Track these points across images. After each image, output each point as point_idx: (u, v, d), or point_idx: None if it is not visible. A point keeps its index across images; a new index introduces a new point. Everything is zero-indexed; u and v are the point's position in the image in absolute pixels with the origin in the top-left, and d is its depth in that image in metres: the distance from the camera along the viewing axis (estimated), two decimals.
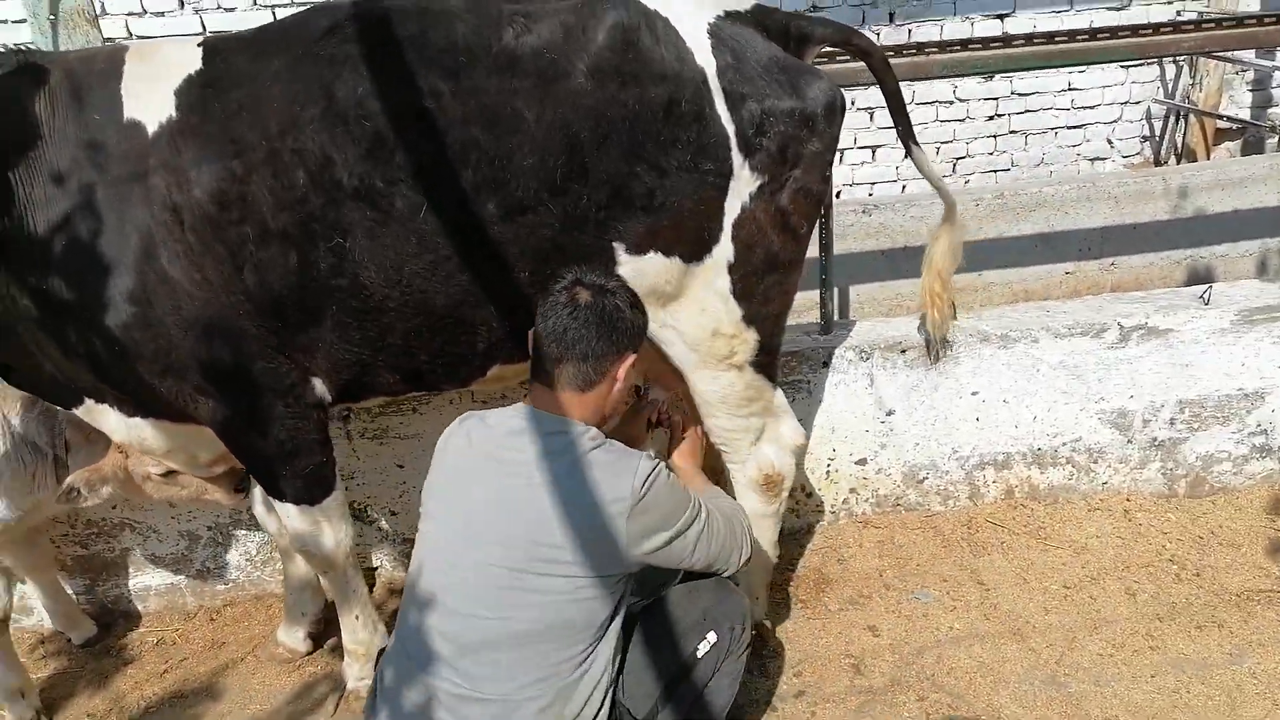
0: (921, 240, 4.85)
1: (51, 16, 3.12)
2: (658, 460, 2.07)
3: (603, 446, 2.02)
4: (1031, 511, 3.61)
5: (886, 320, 3.60)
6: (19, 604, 3.28)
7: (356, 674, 2.80)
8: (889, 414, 3.45)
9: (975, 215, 4.91)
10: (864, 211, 4.85)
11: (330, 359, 2.36)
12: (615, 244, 2.33)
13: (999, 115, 7.35)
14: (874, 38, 6.26)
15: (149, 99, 2.24)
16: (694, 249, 2.36)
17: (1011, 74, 6.96)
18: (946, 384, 3.44)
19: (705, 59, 2.27)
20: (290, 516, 2.58)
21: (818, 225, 3.33)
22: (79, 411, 2.52)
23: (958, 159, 7.37)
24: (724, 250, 2.38)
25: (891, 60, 3.30)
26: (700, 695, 2.22)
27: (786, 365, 3.34)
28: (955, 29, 6.91)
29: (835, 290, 3.48)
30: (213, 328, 2.26)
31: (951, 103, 7.21)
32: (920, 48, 3.35)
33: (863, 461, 3.51)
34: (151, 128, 2.22)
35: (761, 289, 2.46)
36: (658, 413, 2.62)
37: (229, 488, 2.88)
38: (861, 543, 3.49)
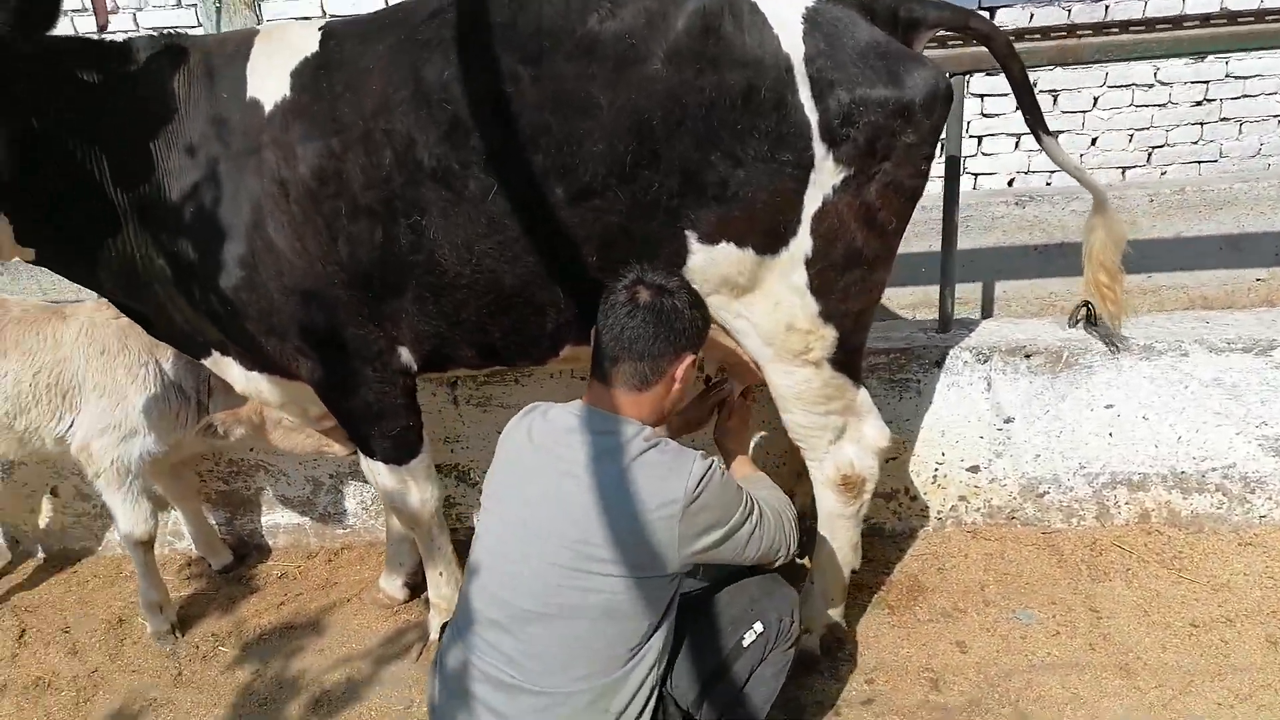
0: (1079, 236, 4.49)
1: (217, 2, 3.41)
2: (712, 459, 2.04)
3: (656, 447, 2.01)
4: (1168, 539, 3.28)
5: (1014, 322, 3.35)
6: (173, 528, 3.71)
7: (438, 626, 2.96)
8: (1007, 421, 3.22)
9: (1149, 212, 4.46)
10: (1016, 203, 4.51)
11: (413, 330, 2.48)
12: (687, 232, 2.29)
13: (1209, 100, 6.57)
14: (1065, 15, 5.79)
15: (268, 79, 2.41)
16: (769, 241, 2.29)
17: (1228, 54, 6.22)
18: (1076, 394, 3.17)
19: (793, 44, 2.18)
20: (379, 474, 2.75)
21: (942, 217, 3.16)
22: (208, 362, 2.78)
23: (1154, 148, 6.66)
24: (802, 244, 2.30)
25: (1038, 44, 3.07)
26: (745, 684, 2.20)
27: (895, 363, 3.19)
28: (1162, 4, 6.25)
29: (955, 287, 3.27)
30: (310, 294, 2.42)
31: (1151, 85, 6.52)
32: (1072, 30, 3.04)
33: (975, 469, 3.31)
34: (268, 106, 2.39)
35: (841, 285, 2.36)
36: (726, 400, 2.58)
37: (343, 440, 3.10)
38: (967, 553, 3.30)
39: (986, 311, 4.57)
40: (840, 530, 2.72)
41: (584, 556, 1.96)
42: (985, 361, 3.16)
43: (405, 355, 2.56)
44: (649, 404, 2.08)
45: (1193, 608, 2.97)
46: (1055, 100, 6.40)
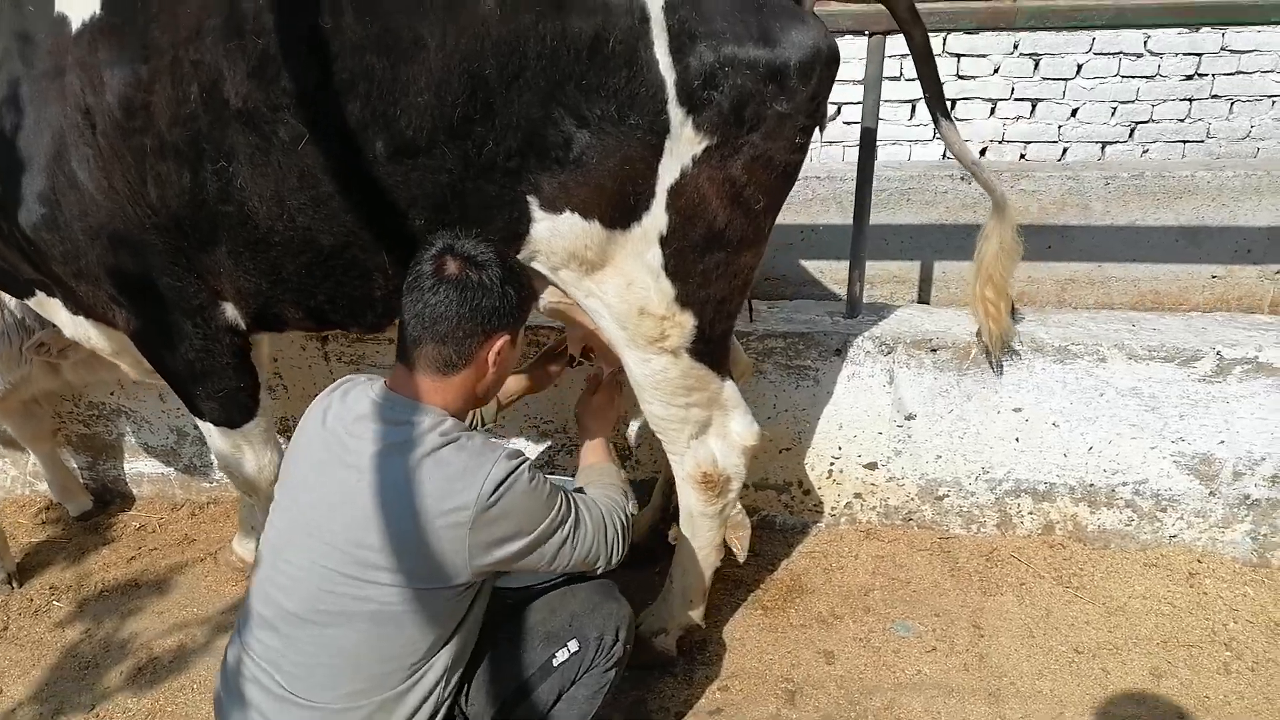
0: (1032, 217, 4.23)
1: None
2: (521, 459, 1.83)
3: (454, 443, 1.78)
4: (1070, 555, 3.10)
5: (927, 311, 3.12)
6: (34, 469, 3.50)
7: None
8: (909, 418, 3.01)
9: (1103, 196, 4.18)
10: (962, 178, 4.22)
11: (234, 285, 2.24)
12: (529, 197, 2.05)
13: (1200, 75, 6.23)
14: None
15: None
16: (618, 214, 2.04)
17: (1223, 26, 5.87)
18: (983, 394, 2.95)
19: None
20: (211, 436, 2.53)
21: (855, 192, 2.91)
22: (32, 303, 2.54)
23: (1137, 123, 6.34)
24: (656, 219, 2.05)
25: (969, 6, 2.78)
26: (551, 706, 2.00)
27: (793, 348, 2.97)
28: None
29: (865, 268, 3.02)
30: (119, 238, 2.18)
31: (1140, 55, 6.17)
32: None
33: (873, 465, 3.11)
34: (75, 23, 2.11)
35: (701, 269, 2.12)
36: (577, 353, 2.39)
37: None
38: (858, 554, 3.12)
39: (924, 293, 4.33)
40: (701, 529, 2.52)
41: (357, 561, 1.75)
42: (889, 353, 2.94)
43: (230, 311, 2.32)
44: (455, 390, 1.86)
45: (1081, 631, 2.79)
46: (1036, 66, 6.07)
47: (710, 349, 2.26)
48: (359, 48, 1.92)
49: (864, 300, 3.06)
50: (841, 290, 4.25)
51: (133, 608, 2.98)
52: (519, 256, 2.14)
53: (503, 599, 2.11)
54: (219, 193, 2.06)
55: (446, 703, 1.88)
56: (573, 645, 1.97)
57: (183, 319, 2.30)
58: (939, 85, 2.25)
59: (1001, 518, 3.11)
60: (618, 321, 2.20)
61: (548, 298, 2.32)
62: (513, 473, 1.77)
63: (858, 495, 3.16)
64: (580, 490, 2.10)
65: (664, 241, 2.07)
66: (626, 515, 2.06)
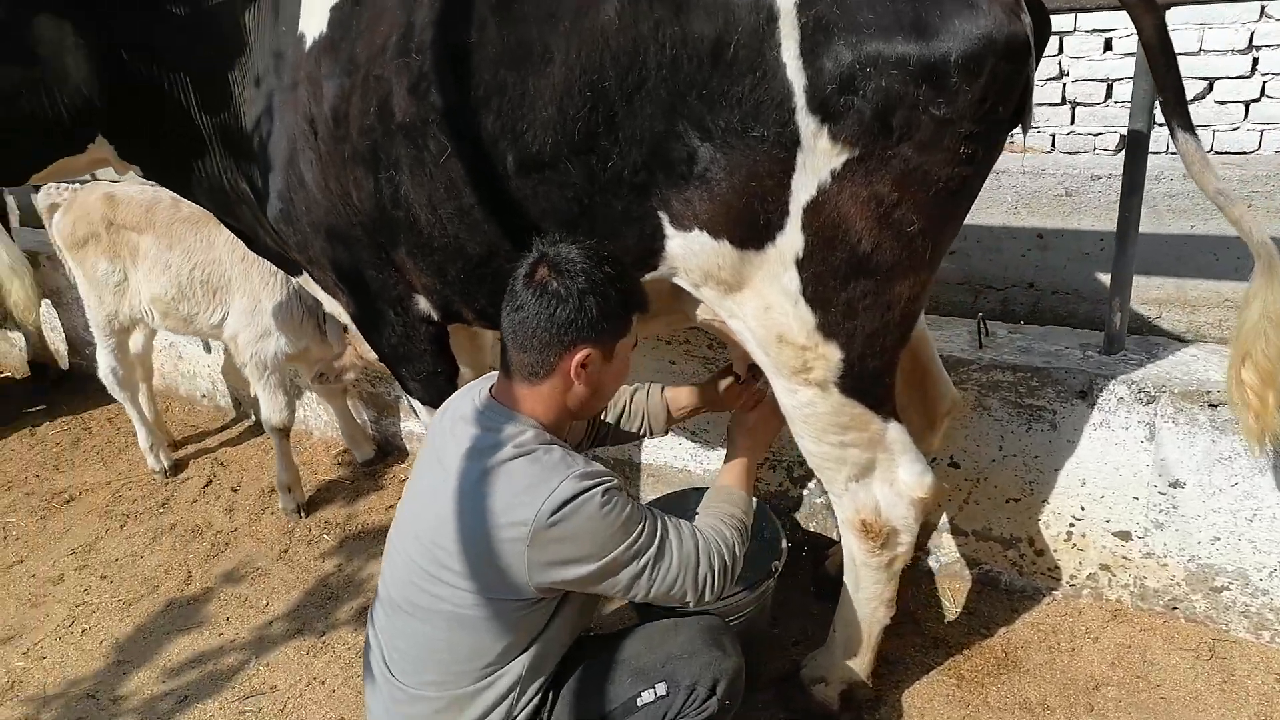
0: None
1: None
2: (600, 482, 1.76)
3: (529, 455, 1.77)
4: None
5: (1211, 351, 2.45)
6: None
7: None
8: (1174, 485, 2.41)
9: None
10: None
11: (419, 281, 2.41)
12: (660, 213, 1.93)
13: None
14: None
15: (314, 13, 2.38)
16: (748, 233, 1.85)
17: None
18: None
19: None
20: (418, 411, 2.77)
21: (1119, 207, 2.37)
22: (300, 281, 2.96)
23: None
24: (791, 240, 1.82)
25: None
26: None
27: (1024, 384, 2.52)
28: None
29: (1129, 295, 2.44)
30: (333, 232, 2.44)
31: None
32: None
33: (1125, 536, 2.54)
34: (309, 40, 2.38)
35: (844, 297, 1.85)
36: (742, 372, 2.28)
37: None
38: (1097, 638, 2.59)
39: (1196, 331, 3.42)
40: (865, 580, 2.25)
41: (435, 560, 1.81)
42: (1150, 403, 2.37)
43: (423, 303, 2.50)
44: (546, 400, 1.84)
45: None
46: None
47: (865, 385, 1.98)
48: (496, 62, 1.94)
49: (1128, 334, 2.48)
50: (1171, 317, 3.52)
51: (378, 551, 3.39)
52: (659, 272, 2.04)
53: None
54: (391, 199, 2.22)
55: (524, 711, 1.88)
56: (660, 688, 1.88)
57: (385, 307, 2.52)
58: (1179, 85, 1.72)
59: None
60: (760, 347, 2.02)
61: (702, 314, 2.20)
62: (581, 494, 1.71)
63: (1105, 567, 2.61)
64: (687, 516, 1.98)
65: (800, 265, 1.84)
66: (730, 553, 1.90)
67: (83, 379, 5.12)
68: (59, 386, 5.12)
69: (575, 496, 1.71)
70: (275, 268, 3.32)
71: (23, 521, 3.93)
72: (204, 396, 4.70)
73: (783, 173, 1.76)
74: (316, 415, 4.21)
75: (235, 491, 3.92)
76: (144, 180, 2.83)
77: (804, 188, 1.77)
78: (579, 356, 1.79)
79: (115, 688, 2.94)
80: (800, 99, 1.69)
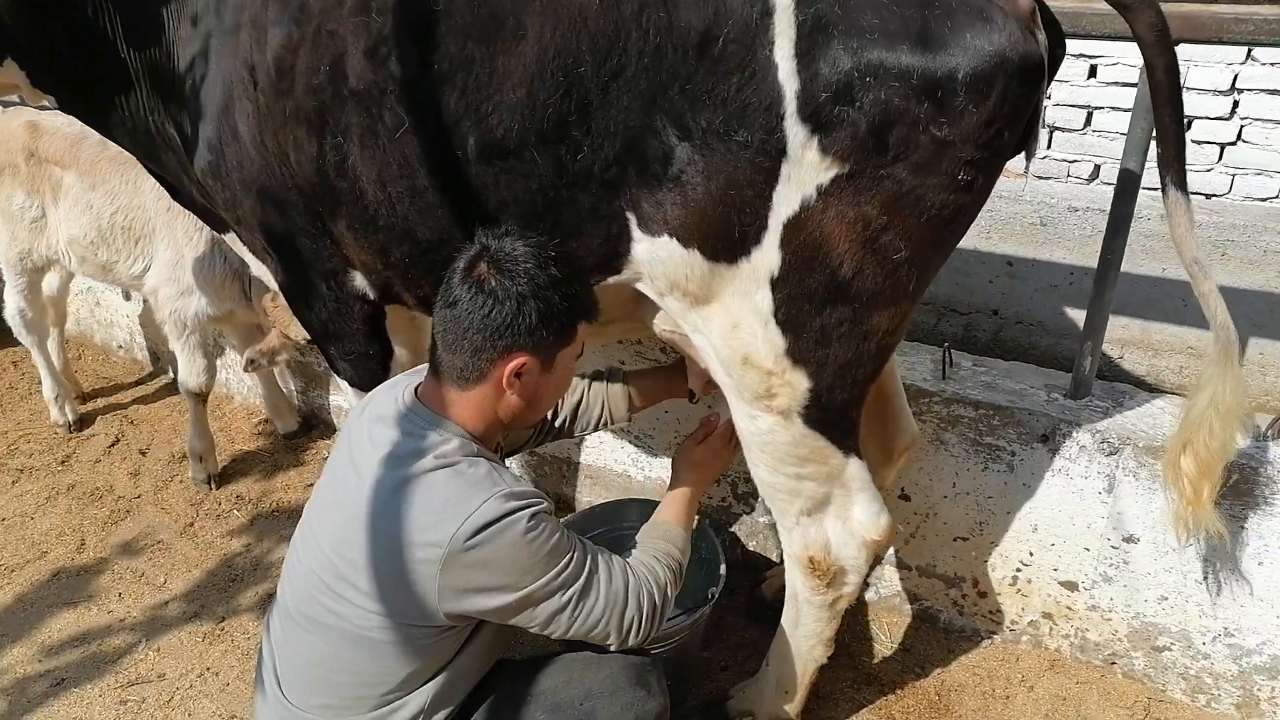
0: None
1: None
2: (527, 504, 1.59)
3: (452, 468, 1.60)
4: None
5: (1181, 404, 2.38)
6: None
7: None
8: (1128, 540, 2.34)
9: None
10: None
11: (357, 257, 2.21)
12: (628, 214, 1.77)
13: None
14: None
15: None
16: (721, 245, 1.69)
17: None
18: (1242, 537, 2.21)
19: None
20: (348, 395, 2.57)
21: (1102, 246, 2.27)
22: (227, 238, 2.72)
23: None
24: (767, 257, 1.67)
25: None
26: None
27: (985, 421, 2.42)
28: None
29: (1101, 340, 2.35)
30: (266, 193, 2.22)
31: None
32: None
33: (1071, 586, 2.47)
34: None
35: (819, 323, 1.71)
36: (698, 389, 2.17)
37: None
38: (1033, 686, 2.52)
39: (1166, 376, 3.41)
40: (806, 617, 2.13)
41: (337, 573, 1.63)
42: (1112, 454, 2.28)
43: (359, 280, 2.29)
44: (475, 407, 1.67)
45: None
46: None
47: (830, 418, 1.85)
48: (464, 33, 1.74)
49: (1095, 380, 2.40)
50: (1133, 359, 3.47)
51: (291, 534, 3.17)
52: (622, 276, 1.88)
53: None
54: (336, 167, 2.01)
55: None
56: None
57: (318, 280, 2.31)
58: (1182, 139, 1.61)
59: (1245, 697, 2.34)
60: (723, 366, 1.87)
61: (661, 324, 2.04)
62: (505, 516, 1.55)
63: (1047, 615, 2.54)
64: (623, 528, 1.85)
65: (775, 284, 1.69)
66: (661, 595, 1.76)
67: None
68: None
69: (498, 519, 1.55)
70: (200, 225, 3.09)
71: None
72: (120, 347, 4.40)
73: (764, 183, 1.61)
74: (239, 379, 3.95)
75: (143, 454, 3.66)
76: (59, 112, 2.56)
77: (786, 201, 1.62)
78: (514, 364, 1.63)
79: None
80: (790, 104, 1.53)
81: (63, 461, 3.64)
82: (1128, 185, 2.14)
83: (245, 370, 2.97)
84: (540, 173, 1.77)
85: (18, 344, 3.91)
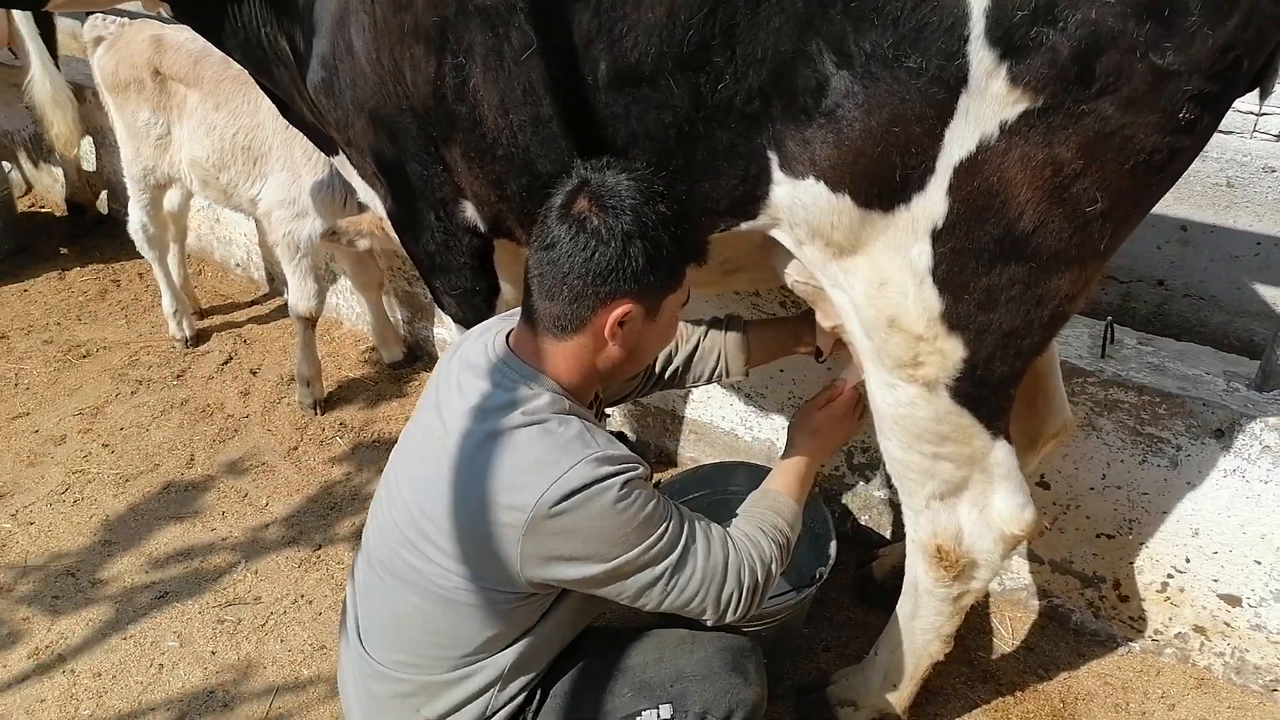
0: None
1: None
2: (621, 470, 1.44)
3: (541, 426, 1.46)
4: None
5: None
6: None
7: None
8: None
9: None
10: None
11: (470, 187, 2.08)
12: (769, 152, 1.57)
13: None
14: None
15: None
16: (878, 190, 1.48)
17: None
18: None
19: None
20: (451, 329, 2.48)
21: None
22: (336, 161, 2.64)
23: None
24: (930, 205, 1.45)
25: None
26: None
27: (1148, 408, 2.14)
28: None
29: None
30: (379, 114, 2.10)
31: None
32: None
33: (1233, 600, 2.19)
34: None
35: (985, 284, 1.48)
36: (826, 350, 1.98)
37: None
38: (1173, 704, 2.26)
39: None
40: (925, 610, 1.94)
41: (418, 529, 1.53)
42: None
43: (470, 212, 2.17)
44: (572, 359, 1.53)
45: None
46: None
47: (983, 394, 1.63)
48: None
49: None
50: None
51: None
52: (757, 222, 1.69)
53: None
54: (455, 90, 1.87)
55: (505, 709, 1.62)
56: (665, 710, 1.59)
57: (427, 209, 2.20)
58: None
59: None
60: (864, 328, 1.67)
61: (795, 275, 1.85)
62: (595, 483, 1.41)
63: (1200, 629, 2.27)
64: (729, 493, 1.69)
65: (937, 237, 1.47)
66: (764, 571, 1.60)
67: (118, 226, 4.88)
68: (94, 231, 4.89)
69: (587, 485, 1.41)
70: None
71: (36, 371, 3.76)
72: (238, 265, 4.45)
73: (937, 119, 1.38)
74: (349, 305, 3.94)
75: (254, 375, 3.69)
76: (174, 20, 2.50)
77: (960, 141, 1.39)
78: (617, 312, 1.47)
79: (97, 569, 2.77)
80: (978, 25, 1.30)
81: (178, 376, 3.70)
82: None
83: (322, 238, 2.88)
84: (676, 103, 1.58)
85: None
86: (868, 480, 2.73)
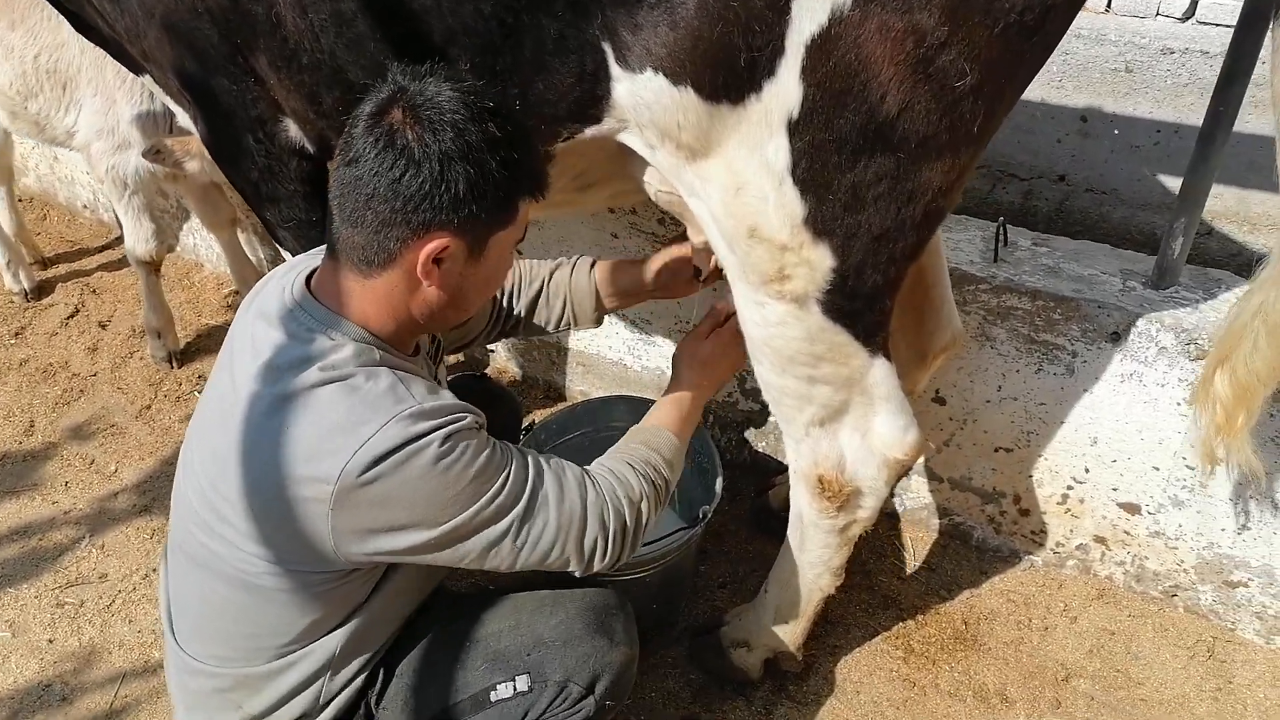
0: None
1: None
2: (441, 424, 1.24)
3: (344, 382, 1.24)
4: None
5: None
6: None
7: None
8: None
9: None
10: None
11: (286, 102, 1.80)
12: (604, 45, 1.34)
13: None
14: None
15: None
16: (723, 79, 1.26)
17: None
18: None
19: None
20: None
21: (1215, 91, 1.80)
22: (145, 81, 2.31)
23: None
24: (783, 92, 1.25)
25: None
26: None
27: (1043, 313, 2.01)
28: None
29: (1196, 218, 1.90)
30: (171, 20, 1.80)
31: None
32: None
33: (1133, 509, 2.11)
34: None
35: (849, 180, 1.30)
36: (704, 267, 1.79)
37: None
38: (1075, 616, 2.20)
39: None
40: (812, 543, 1.80)
41: (211, 507, 1.31)
42: (1200, 358, 1.88)
43: (294, 131, 1.88)
44: (381, 300, 1.30)
45: None
46: None
47: (856, 308, 1.46)
48: None
49: (1185, 265, 1.97)
50: (1225, 236, 2.97)
51: None
52: (603, 127, 1.46)
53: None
54: None
55: (342, 695, 1.43)
56: (522, 682, 1.42)
57: (243, 130, 1.90)
58: None
59: None
60: (725, 240, 1.47)
61: (656, 184, 1.63)
62: (409, 442, 1.20)
63: (1100, 539, 2.19)
64: (611, 429, 1.52)
65: (794, 129, 1.27)
66: (634, 512, 1.42)
67: None
68: None
69: (400, 446, 1.20)
70: None
71: None
72: (85, 207, 4.03)
73: None
74: (209, 245, 3.59)
75: (103, 328, 3.35)
76: None
77: (810, 13, 1.18)
78: (431, 246, 1.23)
79: None
80: None
81: (16, 334, 3.34)
82: (1255, 15, 1.65)
83: (145, 157, 2.56)
84: None
85: None
86: (762, 405, 2.57)
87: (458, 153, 1.18)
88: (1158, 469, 2.03)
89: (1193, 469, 1.99)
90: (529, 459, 1.36)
